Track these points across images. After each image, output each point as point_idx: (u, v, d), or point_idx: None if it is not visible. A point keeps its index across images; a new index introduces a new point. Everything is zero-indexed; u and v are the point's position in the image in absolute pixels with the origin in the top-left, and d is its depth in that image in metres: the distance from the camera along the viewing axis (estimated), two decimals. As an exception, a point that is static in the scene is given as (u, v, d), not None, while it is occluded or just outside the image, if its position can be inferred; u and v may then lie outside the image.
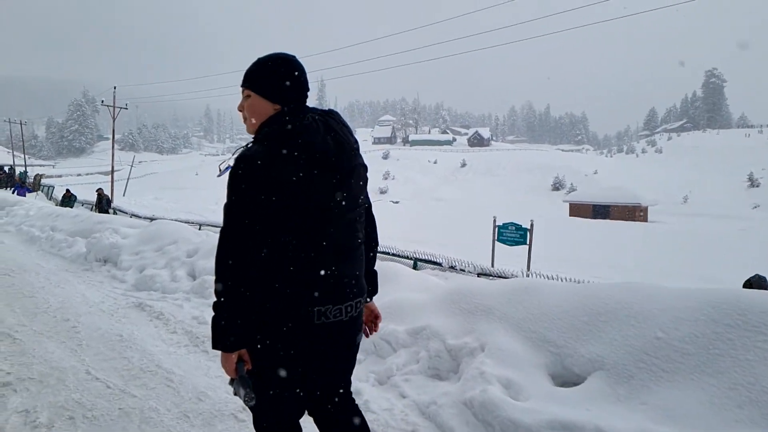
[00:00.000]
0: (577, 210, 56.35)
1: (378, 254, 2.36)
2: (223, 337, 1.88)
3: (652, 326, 3.29)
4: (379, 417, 3.28)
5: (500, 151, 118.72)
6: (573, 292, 3.95)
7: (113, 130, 44.67)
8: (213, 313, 1.89)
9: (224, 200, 1.88)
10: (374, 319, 2.37)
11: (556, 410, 2.97)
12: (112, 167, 44.24)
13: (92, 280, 7.39)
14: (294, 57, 2.03)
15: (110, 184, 42.74)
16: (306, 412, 2.15)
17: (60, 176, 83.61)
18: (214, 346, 1.90)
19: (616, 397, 3.05)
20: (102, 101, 43.59)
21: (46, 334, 4.83)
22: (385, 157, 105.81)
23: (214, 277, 1.89)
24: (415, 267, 11.98)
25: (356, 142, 2.04)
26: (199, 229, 14.63)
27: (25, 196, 26.78)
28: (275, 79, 1.97)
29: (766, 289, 6.28)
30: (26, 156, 64.35)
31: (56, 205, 24.10)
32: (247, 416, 3.10)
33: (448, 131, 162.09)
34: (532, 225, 14.98)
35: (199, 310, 5.64)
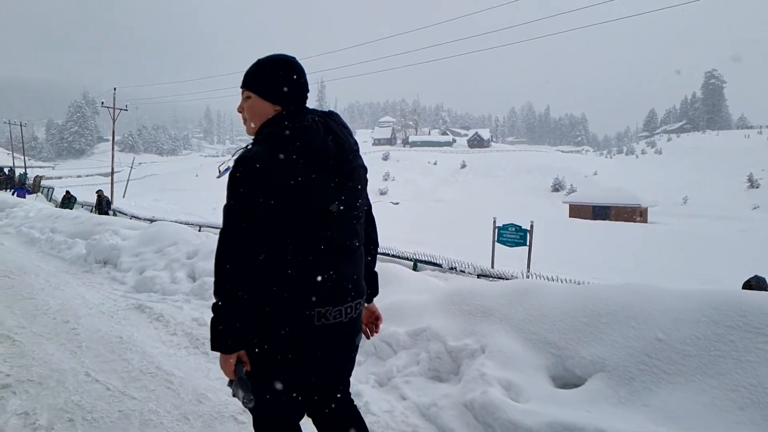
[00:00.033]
0: (577, 211, 56.38)
1: (378, 255, 2.36)
2: (221, 338, 1.88)
3: (652, 328, 3.28)
4: (379, 419, 3.27)
5: (500, 152, 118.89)
6: (573, 293, 3.94)
7: (113, 132, 44.68)
8: (212, 315, 1.89)
9: (224, 202, 1.87)
10: (375, 320, 2.37)
11: (557, 412, 2.96)
12: (112, 169, 44.25)
13: (92, 281, 7.38)
14: (294, 58, 2.03)
15: (110, 185, 42.74)
16: (305, 413, 2.15)
17: (60, 178, 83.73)
18: (213, 348, 1.90)
19: (618, 398, 3.04)
20: (102, 103, 43.62)
21: (45, 336, 4.82)
22: (385, 158, 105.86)
23: (213, 279, 1.89)
24: (415, 268, 11.99)
25: (356, 143, 2.05)
26: (199, 230, 14.63)
27: (24, 197, 26.80)
28: (275, 80, 1.97)
29: (765, 290, 6.28)
30: (26, 157, 64.30)
31: (56, 206, 24.11)
32: (247, 418, 3.09)
33: (447, 132, 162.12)
34: (532, 226, 14.98)
35: (199, 311, 5.63)
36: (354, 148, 2.01)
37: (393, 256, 13.63)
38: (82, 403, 3.46)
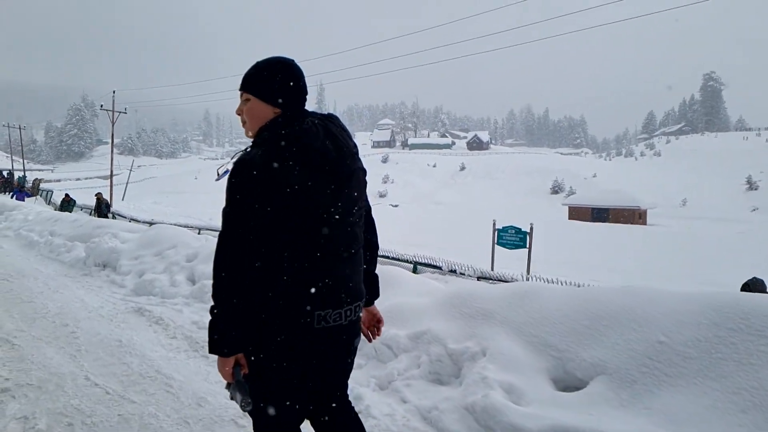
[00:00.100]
0: (577, 213, 56.43)
1: (378, 258, 2.36)
2: (219, 341, 1.88)
3: (654, 330, 3.28)
4: (380, 422, 3.26)
5: (499, 154, 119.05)
6: (574, 295, 3.94)
7: (112, 135, 44.69)
8: (210, 318, 1.89)
9: (223, 205, 1.87)
10: (377, 323, 2.37)
11: (559, 415, 2.96)
12: (111, 171, 44.28)
13: (91, 285, 7.36)
14: (293, 61, 2.03)
15: (109, 188, 42.76)
16: (305, 417, 2.14)
17: (59, 181, 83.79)
18: (211, 351, 1.90)
19: (619, 401, 3.04)
20: (101, 106, 43.70)
21: (44, 340, 4.80)
22: (385, 160, 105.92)
23: (211, 282, 1.88)
24: (414, 271, 12.00)
25: (355, 146, 2.04)
26: (199, 233, 14.64)
27: (23, 200, 26.72)
28: (275, 82, 1.96)
29: (763, 291, 6.28)
30: (25, 160, 64.35)
31: (55, 209, 24.11)
32: (248, 422, 3.08)
33: (447, 135, 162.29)
34: (531, 228, 15.00)
35: (198, 314, 5.62)
36: (353, 150, 2.01)
37: (393, 258, 13.65)
38: (81, 407, 3.45)
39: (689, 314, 3.28)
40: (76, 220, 12.35)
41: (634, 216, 53.51)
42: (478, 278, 11.71)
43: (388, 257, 13.58)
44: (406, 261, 13.40)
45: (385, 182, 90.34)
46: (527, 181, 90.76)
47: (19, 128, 59.15)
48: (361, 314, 2.14)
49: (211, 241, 8.21)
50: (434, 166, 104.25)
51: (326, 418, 2.16)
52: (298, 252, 1.87)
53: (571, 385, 3.39)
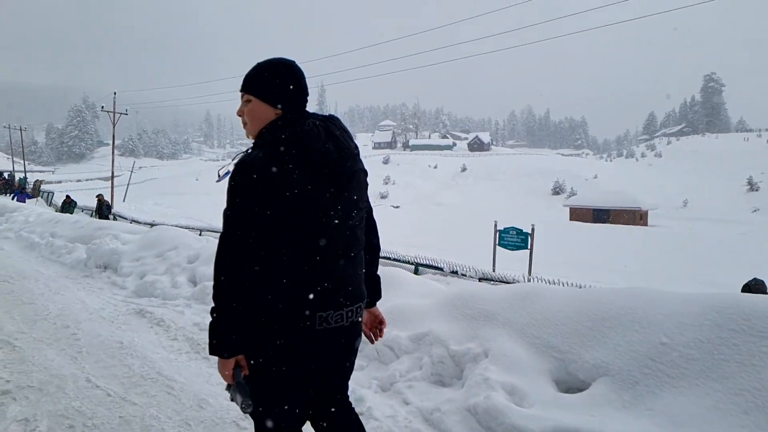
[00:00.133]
0: (578, 214, 56.40)
1: (379, 259, 2.36)
2: (220, 342, 1.88)
3: (656, 332, 3.27)
4: (382, 424, 3.25)
5: (500, 155, 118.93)
6: (576, 297, 3.93)
7: (113, 136, 44.71)
8: (210, 319, 1.89)
9: (224, 206, 1.87)
10: (379, 324, 2.37)
11: (561, 416, 2.95)
12: (112, 173, 44.31)
13: (92, 286, 7.36)
14: (294, 62, 2.03)
15: (110, 189, 42.75)
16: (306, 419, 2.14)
17: (60, 182, 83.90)
18: (211, 352, 1.90)
19: (621, 403, 3.03)
20: (102, 107, 43.68)
21: (45, 342, 4.80)
22: (386, 161, 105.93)
23: (212, 283, 1.88)
24: (416, 272, 11.99)
25: (356, 147, 2.04)
26: (200, 234, 14.64)
27: (24, 202, 26.76)
28: (276, 83, 1.96)
29: (764, 292, 6.27)
30: (26, 162, 64.41)
31: (56, 211, 24.12)
32: (249, 424, 3.07)
33: (448, 136, 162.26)
34: (533, 229, 14.99)
35: (200, 316, 5.61)
36: (354, 152, 2.01)
37: (394, 260, 13.63)
38: (82, 409, 3.45)
39: (691, 315, 3.27)
40: (77, 222, 12.36)
41: (635, 217, 53.47)
42: (480, 279, 11.70)
43: (389, 258, 13.57)
44: (408, 262, 13.38)
45: (387, 183, 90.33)
46: (528, 182, 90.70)
47: (20, 129, 59.19)
48: (362, 315, 2.13)
49: (212, 243, 8.20)
50: (435, 167, 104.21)
51: (327, 419, 2.16)
52: (299, 253, 1.87)
53: (573, 386, 3.38)
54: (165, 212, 42.60)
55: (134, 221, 26.78)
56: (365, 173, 2.08)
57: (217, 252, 1.86)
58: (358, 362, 4.17)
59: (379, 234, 2.33)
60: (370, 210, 2.23)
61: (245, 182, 1.80)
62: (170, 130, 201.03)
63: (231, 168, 1.99)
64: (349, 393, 2.27)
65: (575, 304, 3.79)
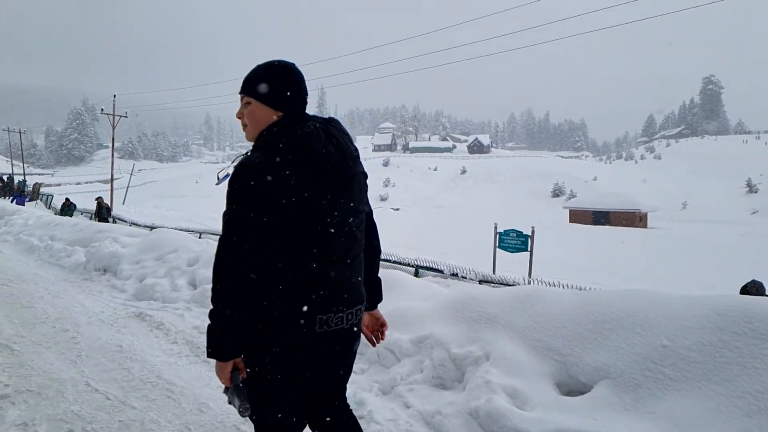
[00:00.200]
0: (577, 216, 56.44)
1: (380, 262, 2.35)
2: (218, 345, 1.88)
3: (658, 334, 3.26)
4: (383, 428, 3.24)
5: (500, 157, 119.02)
6: (577, 299, 3.92)
7: (113, 139, 44.76)
8: (209, 322, 1.89)
9: (224, 208, 1.87)
10: (380, 327, 2.36)
11: (563, 419, 2.95)
12: (112, 175, 44.29)
13: (92, 289, 7.34)
14: (293, 64, 2.03)
15: (110, 192, 42.78)
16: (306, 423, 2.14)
17: (59, 185, 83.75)
18: (210, 355, 1.90)
19: (623, 405, 3.03)
20: (102, 110, 43.71)
21: (44, 345, 4.79)
22: (386, 164, 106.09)
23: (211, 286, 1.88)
24: (416, 274, 11.98)
25: (356, 150, 2.04)
26: (200, 237, 14.63)
27: (23, 205, 26.75)
28: (276, 85, 1.96)
29: (762, 294, 6.28)
30: (25, 165, 64.38)
31: (55, 214, 24.08)
32: (249, 427, 3.06)
33: (448, 138, 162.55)
34: (533, 232, 14.98)
35: (200, 319, 5.60)
36: (354, 154, 2.01)
37: (394, 262, 13.64)
38: (81, 413, 3.43)
39: (693, 318, 3.26)
40: (77, 225, 12.33)
41: (634, 219, 53.51)
42: (480, 281, 11.70)
43: (389, 261, 13.57)
44: (408, 264, 13.38)
45: (386, 186, 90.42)
46: (528, 184, 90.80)
47: (19, 132, 59.23)
48: (362, 318, 2.13)
49: (212, 245, 8.18)
50: (435, 169, 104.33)
51: (325, 422, 2.16)
52: (299, 255, 1.87)
53: (574, 389, 3.37)
54: (165, 215, 42.53)
55: (134, 224, 26.72)
56: (365, 176, 2.08)
57: (216, 254, 1.86)
58: (358, 365, 4.18)
59: (379, 236, 2.32)
60: (370, 212, 2.23)
61: (245, 185, 1.80)
62: (170, 132, 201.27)
63: (230, 171, 1.98)
64: (349, 396, 2.27)
65: (576, 307, 3.78)
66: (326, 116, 2.06)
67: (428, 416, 3.34)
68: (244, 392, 1.90)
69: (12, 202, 28.60)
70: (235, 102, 2.10)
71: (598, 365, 3.31)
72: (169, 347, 4.85)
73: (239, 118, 2.03)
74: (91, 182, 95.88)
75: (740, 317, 3.12)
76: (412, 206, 73.64)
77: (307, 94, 2.03)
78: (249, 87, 1.99)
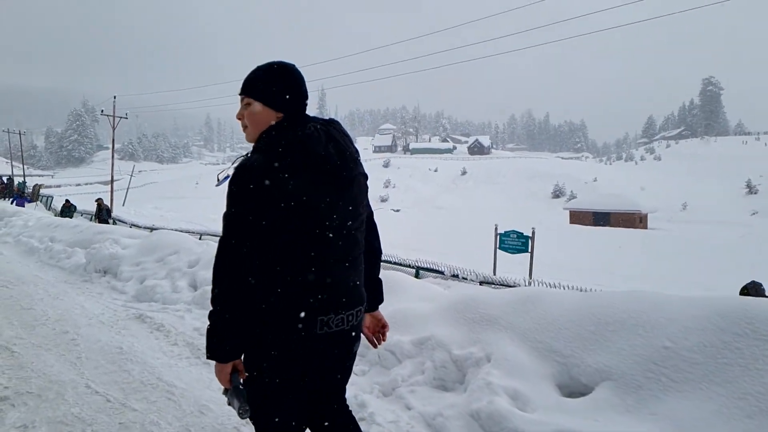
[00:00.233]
0: (578, 217, 56.50)
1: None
2: (218, 346, 1.88)
3: (659, 335, 3.26)
4: (384, 429, 3.23)
5: (500, 159, 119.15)
6: (579, 301, 3.92)
7: (113, 140, 44.76)
8: (208, 323, 1.89)
9: (224, 209, 1.87)
10: (382, 328, 2.36)
11: (565, 421, 2.94)
12: (112, 177, 44.29)
13: (92, 291, 7.34)
14: (294, 65, 2.03)
15: (110, 193, 42.78)
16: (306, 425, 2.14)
17: (59, 186, 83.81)
18: (209, 356, 1.90)
19: (625, 407, 3.02)
20: (102, 111, 43.71)
21: (44, 347, 4.77)
22: (386, 165, 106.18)
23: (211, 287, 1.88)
24: (417, 275, 11.98)
25: (357, 151, 2.04)
26: (200, 238, 14.61)
27: (23, 206, 26.73)
28: (277, 86, 1.96)
29: (762, 295, 6.28)
30: (25, 166, 64.36)
31: (55, 215, 24.07)
32: (250, 429, 3.05)
33: (448, 139, 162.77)
34: (533, 233, 14.97)
35: (200, 321, 5.59)
36: (355, 156, 2.01)
37: (395, 263, 13.64)
38: (82, 415, 3.42)
39: (694, 319, 3.26)
40: (77, 226, 12.33)
41: (634, 220, 53.56)
42: (481, 283, 11.69)
43: (390, 262, 13.58)
44: (409, 266, 13.38)
45: (387, 187, 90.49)
46: (528, 185, 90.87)
47: (19, 134, 59.27)
48: (362, 319, 2.13)
49: (212, 247, 8.17)
50: (436, 170, 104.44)
51: (326, 424, 2.16)
52: (299, 257, 1.87)
53: (576, 390, 3.36)
54: (165, 216, 42.59)
55: (134, 225, 26.72)
56: (365, 177, 2.08)
57: (216, 256, 1.86)
58: (360, 367, 4.17)
59: (380, 237, 2.32)
60: (370, 213, 2.22)
61: (245, 186, 1.80)
62: (170, 133, 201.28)
63: (230, 172, 1.98)
64: (351, 398, 2.27)
65: (578, 308, 3.78)
66: (326, 117, 2.06)
67: (429, 418, 3.33)
68: (243, 394, 1.90)
69: (12, 203, 28.60)
70: (236, 103, 2.10)
71: (600, 367, 3.30)
72: (170, 349, 4.84)
73: (239, 119, 2.03)
74: (91, 183, 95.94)
75: (741, 318, 3.12)
76: (413, 207, 73.69)
77: (307, 96, 2.03)
78: (249, 88, 1.98)
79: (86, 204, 36.26)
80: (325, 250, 1.90)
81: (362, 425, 3.20)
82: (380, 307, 2.35)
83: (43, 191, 49.84)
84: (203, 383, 4.01)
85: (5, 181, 46.35)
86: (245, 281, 1.82)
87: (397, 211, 63.62)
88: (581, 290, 9.40)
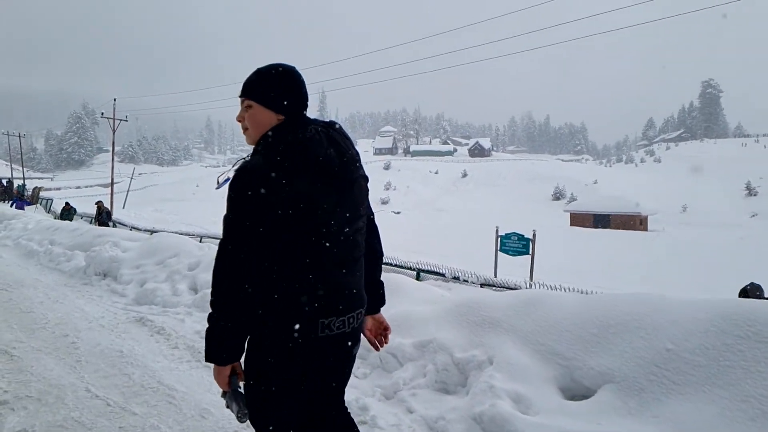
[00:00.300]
0: (578, 219, 56.55)
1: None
2: (216, 349, 1.89)
3: (662, 338, 3.25)
4: (386, 433, 3.22)
5: (501, 161, 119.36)
6: (580, 303, 3.92)
7: (113, 142, 44.79)
8: (207, 326, 1.89)
9: (224, 212, 1.86)
10: (384, 331, 2.34)
11: (567, 424, 2.94)
12: (112, 179, 44.33)
13: (92, 294, 7.32)
14: (294, 67, 2.03)
15: (110, 196, 42.78)
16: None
17: (59, 189, 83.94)
18: (208, 359, 1.91)
19: (627, 410, 3.01)
20: (102, 113, 43.79)
21: (44, 351, 4.76)
22: (387, 167, 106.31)
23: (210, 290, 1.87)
24: (418, 278, 11.98)
25: (357, 154, 2.04)
26: (200, 241, 14.60)
27: (23, 209, 26.68)
28: (278, 88, 1.95)
29: (761, 296, 6.28)
30: (25, 169, 64.40)
31: (55, 218, 24.07)
32: (251, 433, 3.05)
33: (448, 142, 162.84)
34: (534, 235, 14.98)
35: (201, 324, 5.58)
36: (356, 158, 2.01)
37: (396, 265, 13.64)
38: (82, 419, 3.41)
39: (696, 322, 3.25)
40: (77, 229, 12.31)
41: (635, 222, 53.60)
42: (482, 285, 11.70)
43: (391, 264, 13.58)
44: (410, 268, 13.38)
45: (388, 189, 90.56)
46: (529, 187, 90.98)
47: (19, 136, 59.34)
48: (362, 321, 2.12)
49: (213, 249, 8.17)
50: (436, 172, 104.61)
51: (325, 427, 2.15)
52: (300, 260, 1.86)
53: (578, 393, 3.36)
54: (165, 219, 42.63)
55: (134, 228, 26.76)
56: (366, 179, 2.08)
57: (216, 257, 1.85)
58: (361, 370, 4.16)
59: (381, 239, 2.31)
60: (371, 215, 2.22)
61: (246, 189, 1.79)
62: (170, 136, 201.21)
63: (231, 175, 1.97)
64: (352, 401, 2.26)
65: (580, 311, 3.77)
66: (327, 120, 2.06)
67: (431, 421, 3.32)
68: (242, 397, 1.90)
69: (11, 206, 28.59)
70: (236, 105, 2.09)
71: (602, 369, 3.29)
72: (170, 352, 4.83)
73: (240, 121, 2.02)
74: (91, 186, 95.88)
75: (744, 321, 3.11)
76: (414, 210, 73.69)
77: (307, 98, 2.02)
78: (250, 90, 1.98)
79: (86, 207, 36.24)
80: (326, 252, 1.89)
81: (364, 429, 3.19)
82: (382, 309, 2.34)
83: (42, 194, 49.92)
84: (204, 387, 3.99)
85: (5, 184, 46.36)
86: (245, 284, 1.82)
87: (398, 213, 63.67)
88: (583, 292, 9.39)
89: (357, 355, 2.18)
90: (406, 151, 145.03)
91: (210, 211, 43.41)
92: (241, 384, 1.97)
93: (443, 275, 12.70)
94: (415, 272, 12.86)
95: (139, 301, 6.83)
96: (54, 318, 5.87)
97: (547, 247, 19.48)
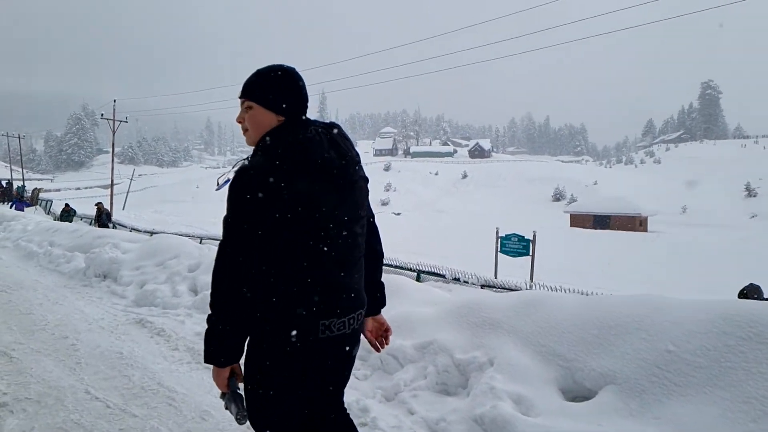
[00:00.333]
0: (578, 221, 56.55)
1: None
2: (215, 351, 1.89)
3: (663, 339, 3.25)
4: (386, 435, 3.21)
5: (501, 162, 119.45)
6: (582, 304, 3.91)
7: (113, 144, 44.80)
8: (207, 327, 1.89)
9: (224, 213, 1.86)
10: (384, 332, 2.34)
11: (568, 425, 2.94)
12: (112, 181, 44.34)
13: (91, 296, 7.31)
14: (294, 69, 2.03)
15: (110, 197, 42.78)
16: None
17: (59, 190, 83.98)
18: (207, 360, 1.91)
19: (628, 411, 3.01)
20: (102, 115, 43.82)
21: (44, 353, 4.75)
22: (387, 168, 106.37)
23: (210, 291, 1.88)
24: (418, 279, 11.97)
25: (358, 155, 2.04)
26: (201, 242, 14.60)
27: (23, 210, 26.68)
28: (278, 89, 1.95)
29: (760, 297, 6.28)
30: (24, 170, 64.43)
31: (55, 219, 24.06)
32: (251, 435, 3.04)
33: (449, 143, 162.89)
34: (534, 236, 14.98)
35: (201, 326, 5.56)
36: (356, 159, 2.01)
37: (396, 267, 13.64)
38: (81, 421, 3.40)
39: (698, 323, 3.25)
40: (76, 231, 12.31)
41: (635, 223, 53.61)
42: (482, 286, 11.70)
43: (391, 266, 13.58)
44: (410, 269, 13.38)
45: (388, 190, 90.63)
46: (529, 188, 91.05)
47: (19, 137, 59.37)
48: (362, 322, 2.13)
49: (213, 251, 8.16)
50: (436, 174, 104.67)
51: (324, 428, 2.15)
52: (300, 261, 1.86)
53: (579, 395, 3.35)
54: (165, 220, 42.68)
55: (134, 229, 26.76)
56: (366, 180, 2.07)
57: (216, 258, 1.85)
58: (362, 371, 4.15)
59: (381, 241, 2.30)
60: (371, 216, 2.22)
61: (246, 190, 1.79)
62: (170, 137, 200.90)
63: (231, 176, 1.97)
64: (353, 403, 2.26)
65: (581, 312, 3.77)
66: (327, 121, 2.05)
67: (432, 423, 3.31)
68: (241, 399, 1.90)
69: (11, 207, 28.58)
70: (236, 107, 2.09)
71: (604, 371, 3.29)
72: (170, 354, 4.82)
73: (240, 122, 2.02)
74: (90, 187, 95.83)
75: (745, 322, 3.11)
76: (414, 211, 73.73)
77: (308, 99, 2.02)
78: (250, 91, 1.97)
79: (86, 208, 36.26)
80: (326, 253, 1.88)
81: (365, 430, 3.19)
82: (382, 311, 2.34)
83: (42, 195, 49.92)
84: (204, 388, 3.98)
85: (4, 185, 46.29)
86: (244, 285, 1.82)
87: (398, 214, 63.73)
88: (583, 293, 9.39)
89: (357, 356, 2.18)
90: (406, 153, 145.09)
91: (210, 212, 43.49)
92: (241, 385, 1.97)
93: (444, 276, 12.70)
94: (415, 273, 12.86)
95: (139, 302, 6.83)
96: (54, 320, 5.86)
97: (547, 248, 19.48)
